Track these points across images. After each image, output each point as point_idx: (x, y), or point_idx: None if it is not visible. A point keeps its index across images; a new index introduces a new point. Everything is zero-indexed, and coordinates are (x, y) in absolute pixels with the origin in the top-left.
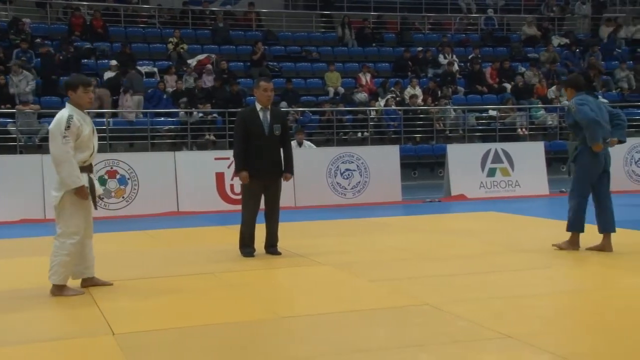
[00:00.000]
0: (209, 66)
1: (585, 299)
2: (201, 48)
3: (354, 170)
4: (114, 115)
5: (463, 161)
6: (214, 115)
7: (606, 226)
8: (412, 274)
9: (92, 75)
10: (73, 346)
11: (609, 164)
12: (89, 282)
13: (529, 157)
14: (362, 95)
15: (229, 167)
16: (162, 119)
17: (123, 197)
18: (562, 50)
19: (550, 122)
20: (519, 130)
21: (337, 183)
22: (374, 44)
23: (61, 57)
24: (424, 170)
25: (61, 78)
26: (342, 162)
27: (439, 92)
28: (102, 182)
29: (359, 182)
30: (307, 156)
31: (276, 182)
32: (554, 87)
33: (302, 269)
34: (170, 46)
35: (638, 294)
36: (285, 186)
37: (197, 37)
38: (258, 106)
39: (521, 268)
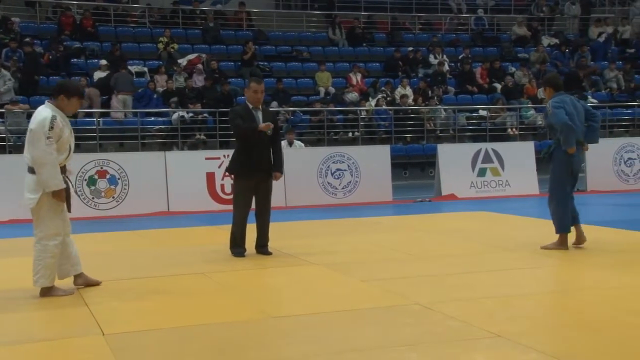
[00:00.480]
0: (200, 66)
1: (575, 298)
2: (192, 48)
3: (345, 170)
4: (104, 115)
5: (453, 161)
6: (205, 115)
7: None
8: (402, 273)
9: (82, 74)
10: (63, 347)
11: (580, 168)
12: (81, 279)
13: (519, 157)
14: (352, 95)
15: (219, 166)
16: (153, 118)
17: (113, 197)
18: (552, 50)
19: (540, 122)
20: (509, 130)
21: (328, 183)
22: (364, 44)
23: (50, 57)
24: (414, 170)
25: (51, 78)
26: (333, 162)
27: (430, 92)
28: (92, 182)
29: (350, 181)
30: (298, 156)
31: (267, 182)
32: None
33: (293, 268)
34: (161, 46)
35: (626, 293)
36: (276, 186)
37: (188, 37)
38: (250, 105)
39: (511, 268)
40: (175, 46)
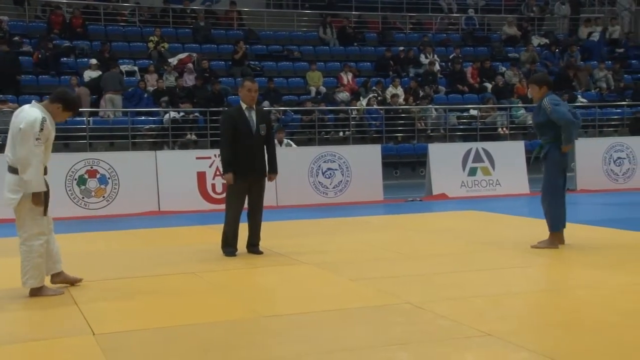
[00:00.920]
0: (190, 65)
1: (565, 297)
2: (182, 47)
3: (336, 170)
4: (94, 114)
5: (444, 160)
6: (196, 114)
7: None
8: (393, 272)
9: (72, 74)
10: (52, 347)
11: (569, 167)
12: (59, 278)
13: (510, 156)
14: (343, 95)
15: (210, 166)
16: (143, 118)
17: (103, 197)
18: (542, 50)
19: (530, 122)
20: (500, 129)
21: (319, 182)
22: (355, 44)
23: (40, 56)
24: (405, 169)
25: (40, 77)
26: (324, 162)
27: (421, 92)
28: (83, 181)
29: (341, 181)
30: (289, 155)
31: (260, 182)
32: None
33: (284, 268)
34: (151, 45)
35: (616, 291)
36: (267, 185)
37: (178, 36)
38: (243, 105)
39: (502, 266)
40: (166, 45)
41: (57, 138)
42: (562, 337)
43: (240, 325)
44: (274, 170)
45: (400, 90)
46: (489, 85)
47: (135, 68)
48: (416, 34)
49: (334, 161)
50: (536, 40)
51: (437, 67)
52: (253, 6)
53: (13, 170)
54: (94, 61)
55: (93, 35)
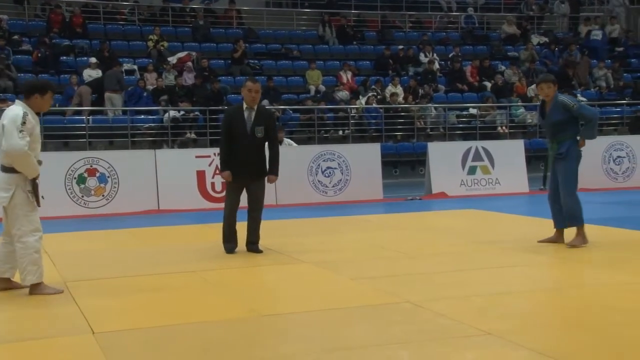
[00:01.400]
0: (190, 64)
1: (565, 296)
2: (181, 45)
3: (335, 168)
4: (94, 113)
5: (444, 159)
6: (196, 113)
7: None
8: (393, 271)
9: (72, 72)
10: (52, 346)
11: None
12: (4, 284)
13: (509, 155)
14: (343, 94)
15: (210, 165)
16: (143, 116)
17: (103, 195)
18: (542, 48)
19: (529, 121)
20: (499, 128)
21: (319, 181)
22: (354, 42)
23: (39, 54)
24: (404, 168)
25: (40, 76)
26: (324, 160)
27: (420, 91)
28: (82, 180)
29: (340, 180)
30: (288, 154)
31: (257, 182)
32: (533, 86)
33: (283, 267)
34: (151, 44)
35: (616, 291)
36: (267, 184)
37: (178, 35)
38: (244, 105)
39: (501, 265)
40: (165, 44)
41: (56, 137)
42: (562, 336)
43: (239, 324)
44: (273, 172)
45: (399, 89)
46: (488, 84)
47: (135, 67)
48: (415, 33)
49: (334, 160)
50: (535, 39)
51: (436, 65)
52: (252, 5)
53: (2, 168)
54: (93, 60)
55: (92, 34)
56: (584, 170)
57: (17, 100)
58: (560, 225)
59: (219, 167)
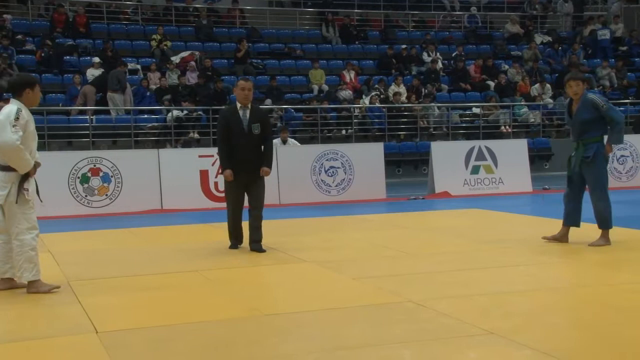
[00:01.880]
0: (193, 63)
1: (568, 295)
2: (185, 45)
3: (339, 168)
4: (97, 112)
5: (447, 158)
6: (199, 112)
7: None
8: (395, 271)
9: (75, 72)
10: (55, 345)
11: None
12: (5, 284)
13: (513, 154)
14: (346, 93)
15: (213, 164)
16: (146, 116)
17: (106, 195)
18: (545, 47)
19: (533, 120)
20: (503, 127)
21: (322, 180)
22: (357, 42)
23: (43, 54)
24: (408, 167)
25: (44, 75)
26: (327, 160)
27: (423, 90)
28: (85, 179)
29: (344, 179)
30: (291, 154)
31: (257, 179)
32: (537, 85)
33: (286, 266)
34: (154, 43)
35: (620, 290)
36: (270, 184)
37: (181, 34)
38: (238, 105)
39: (504, 265)
40: (169, 43)
41: (60, 136)
42: (565, 336)
43: (242, 324)
44: (266, 165)
45: (402, 89)
46: (491, 83)
47: (138, 66)
48: (419, 32)
49: (337, 159)
50: (539, 38)
51: (439, 65)
52: (255, 4)
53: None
54: (96, 59)
55: (96, 34)
56: None
57: (11, 99)
58: (570, 223)
59: (220, 165)
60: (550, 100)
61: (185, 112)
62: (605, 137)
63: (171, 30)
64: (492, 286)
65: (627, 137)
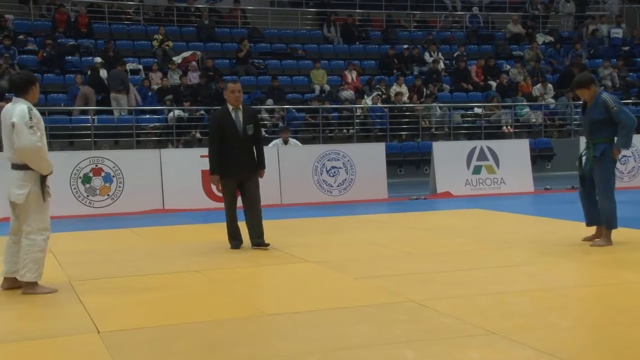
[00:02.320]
0: (194, 63)
1: (570, 295)
2: (186, 45)
3: (340, 168)
4: (99, 112)
5: (448, 159)
6: (201, 112)
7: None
8: (397, 271)
9: (77, 72)
10: (57, 345)
11: None
12: (10, 283)
13: (514, 154)
14: (348, 93)
15: None
16: (148, 116)
17: (108, 195)
18: (547, 48)
19: (534, 120)
20: (504, 127)
21: (323, 180)
22: (357, 42)
23: (44, 54)
24: (409, 167)
25: (45, 75)
26: (328, 160)
27: (425, 90)
28: (87, 179)
29: (345, 179)
30: (293, 154)
31: (251, 179)
32: (539, 85)
33: (287, 266)
34: (155, 43)
35: (621, 290)
36: (271, 184)
37: (182, 34)
38: (230, 107)
39: (506, 265)
40: (170, 44)
41: (62, 136)
42: (566, 336)
43: (244, 324)
44: (261, 165)
45: (404, 89)
46: (493, 84)
47: (140, 66)
48: (420, 32)
49: (338, 159)
50: (541, 38)
51: (441, 65)
52: (257, 4)
53: (16, 166)
54: (98, 60)
55: (98, 34)
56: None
57: (14, 98)
58: (592, 223)
59: (210, 169)
60: (552, 101)
61: (187, 112)
62: (616, 139)
63: (173, 31)
64: (493, 286)
65: None
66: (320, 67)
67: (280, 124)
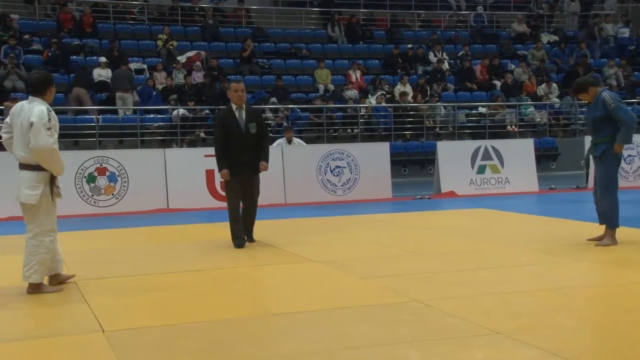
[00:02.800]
0: (199, 63)
1: (574, 295)
2: (191, 45)
3: (344, 168)
4: (103, 112)
5: (453, 158)
6: (206, 111)
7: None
8: (401, 270)
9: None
10: (62, 344)
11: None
12: (56, 280)
13: (519, 154)
14: (352, 93)
15: None
16: (152, 115)
17: (113, 194)
18: (551, 47)
19: (539, 119)
20: (509, 127)
21: (328, 180)
22: (361, 42)
23: (49, 54)
24: (414, 167)
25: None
26: (332, 159)
27: (429, 90)
28: (92, 179)
29: (349, 179)
30: (297, 153)
31: (253, 178)
32: (543, 84)
33: (291, 266)
34: (160, 43)
35: (626, 290)
36: (275, 183)
37: (187, 34)
38: (234, 106)
39: (510, 265)
40: (175, 43)
41: (66, 136)
42: (571, 336)
43: (248, 323)
44: (264, 159)
45: (408, 88)
46: (498, 83)
47: (144, 66)
48: (425, 32)
49: (343, 159)
50: (545, 38)
51: (445, 64)
52: (261, 4)
53: (27, 167)
54: (103, 59)
55: (102, 34)
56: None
57: (31, 97)
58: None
59: (217, 165)
60: (557, 100)
61: (191, 112)
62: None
63: (177, 30)
64: (498, 286)
65: (635, 137)
66: (324, 66)
67: (285, 124)
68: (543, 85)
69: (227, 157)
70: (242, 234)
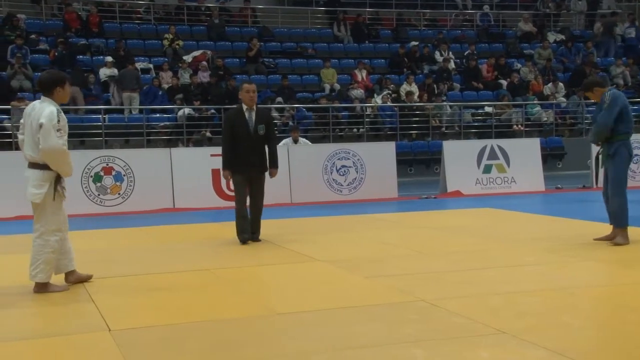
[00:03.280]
0: (205, 62)
1: (580, 295)
2: (197, 44)
3: (350, 167)
4: (109, 111)
5: (459, 157)
6: (212, 111)
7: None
8: (407, 270)
9: (88, 71)
10: (69, 343)
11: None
12: (72, 276)
13: (525, 153)
14: (358, 92)
15: None
16: (158, 115)
17: (119, 194)
18: (558, 46)
19: (545, 119)
20: (515, 126)
21: (333, 179)
22: (367, 41)
23: (56, 53)
24: (419, 166)
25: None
26: (338, 159)
27: (435, 89)
28: (98, 178)
29: (355, 178)
30: (303, 153)
31: (259, 177)
32: (550, 84)
33: (297, 265)
34: (166, 42)
35: (633, 290)
36: (281, 183)
37: (193, 34)
38: (244, 107)
39: (517, 264)
40: (181, 43)
41: (73, 135)
42: (577, 335)
43: (254, 322)
44: (273, 166)
45: (414, 87)
46: (504, 82)
47: (150, 65)
48: (431, 31)
49: (348, 158)
50: (552, 37)
51: (451, 64)
52: (267, 3)
53: (35, 165)
54: (109, 59)
55: (108, 33)
56: (601, 169)
57: (42, 97)
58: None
59: (222, 164)
60: (563, 99)
61: (197, 111)
62: (630, 135)
63: (183, 30)
64: (504, 286)
65: (639, 137)
66: (330, 66)
67: (290, 123)
68: (549, 85)
69: (235, 158)
70: (247, 230)
